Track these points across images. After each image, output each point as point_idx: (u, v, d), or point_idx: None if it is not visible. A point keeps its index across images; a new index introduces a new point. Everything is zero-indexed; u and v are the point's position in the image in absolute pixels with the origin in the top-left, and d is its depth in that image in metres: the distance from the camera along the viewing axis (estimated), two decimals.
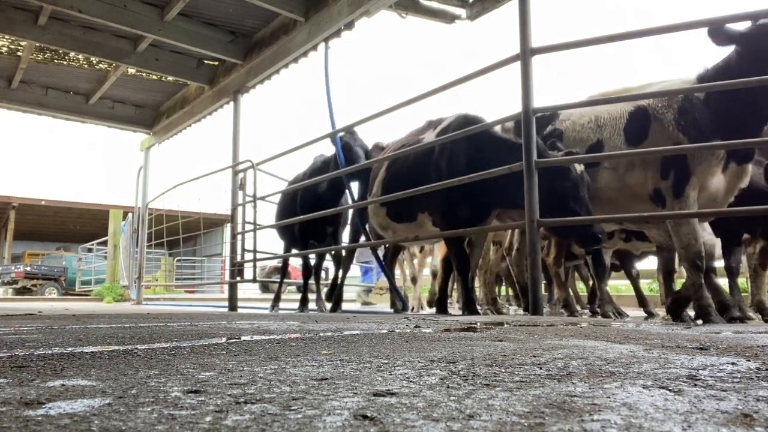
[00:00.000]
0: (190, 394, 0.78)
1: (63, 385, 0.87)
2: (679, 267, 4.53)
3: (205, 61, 8.27)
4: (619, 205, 3.69)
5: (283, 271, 6.86)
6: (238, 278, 6.83)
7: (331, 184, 5.42)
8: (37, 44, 7.35)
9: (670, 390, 0.83)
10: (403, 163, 4.48)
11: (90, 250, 16.89)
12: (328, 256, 6.56)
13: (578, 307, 5.17)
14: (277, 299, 6.49)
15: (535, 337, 1.75)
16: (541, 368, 1.06)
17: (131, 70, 8.48)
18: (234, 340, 1.70)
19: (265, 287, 19.71)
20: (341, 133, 5.34)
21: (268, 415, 0.66)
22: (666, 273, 4.01)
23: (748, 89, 2.97)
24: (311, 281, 6.02)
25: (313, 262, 6.13)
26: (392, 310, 5.37)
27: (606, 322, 2.78)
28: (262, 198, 6.49)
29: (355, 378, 0.94)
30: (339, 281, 5.69)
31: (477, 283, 5.53)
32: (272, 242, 7.45)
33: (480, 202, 3.95)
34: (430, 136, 4.37)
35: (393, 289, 5.45)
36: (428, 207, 4.26)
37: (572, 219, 3.74)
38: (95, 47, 7.49)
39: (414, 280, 7.10)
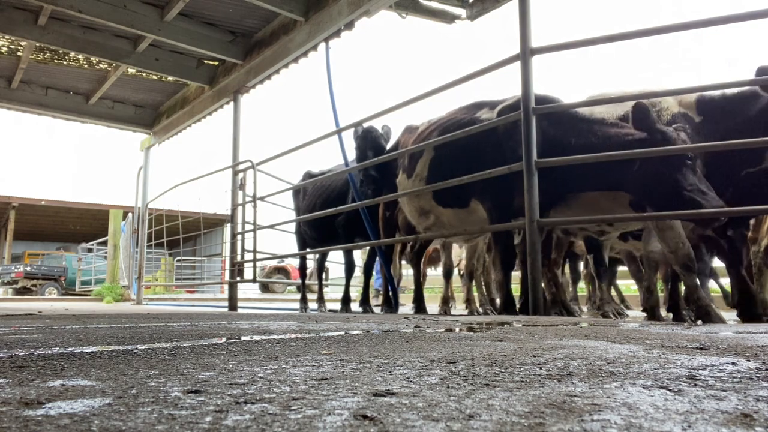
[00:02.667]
0: (190, 394, 0.78)
1: (63, 385, 0.87)
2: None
3: (205, 61, 8.27)
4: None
5: (320, 269, 7.01)
6: (238, 278, 6.84)
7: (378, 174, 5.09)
8: (37, 44, 7.35)
9: (670, 390, 0.83)
10: (456, 143, 4.04)
11: (90, 250, 16.89)
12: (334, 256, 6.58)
13: (576, 308, 5.17)
14: (321, 299, 6.69)
15: (535, 337, 1.75)
16: (541, 368, 1.06)
17: (131, 70, 8.48)
18: (234, 340, 1.70)
19: (265, 287, 19.74)
20: (346, 132, 5.34)
21: (268, 415, 0.66)
22: (674, 274, 4.02)
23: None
24: (311, 281, 6.02)
25: (310, 263, 6.14)
26: (382, 311, 5.27)
27: (606, 322, 2.78)
28: (262, 198, 6.50)
29: (355, 378, 0.94)
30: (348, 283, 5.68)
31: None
32: (272, 242, 7.48)
33: (552, 188, 3.54)
34: (487, 116, 4.05)
35: (392, 288, 5.39)
36: (483, 193, 3.91)
37: (571, 219, 3.75)
38: (95, 47, 7.49)
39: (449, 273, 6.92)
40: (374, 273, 7.10)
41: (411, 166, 4.59)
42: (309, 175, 6.54)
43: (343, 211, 5.31)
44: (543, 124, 3.61)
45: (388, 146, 5.27)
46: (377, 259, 5.79)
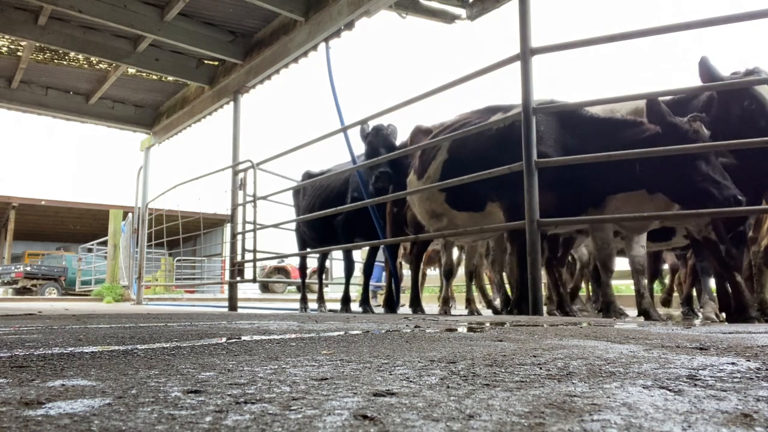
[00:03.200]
0: (190, 394, 0.78)
1: (63, 385, 0.87)
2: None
3: (205, 61, 8.27)
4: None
5: (321, 269, 7.02)
6: (238, 278, 6.84)
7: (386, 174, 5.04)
8: (37, 44, 7.35)
9: (670, 390, 0.83)
10: (471, 144, 4.03)
11: (90, 250, 16.88)
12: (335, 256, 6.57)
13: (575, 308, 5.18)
14: (321, 299, 6.71)
15: (535, 337, 1.75)
16: (541, 368, 1.06)
17: (131, 70, 8.48)
18: (234, 340, 1.70)
19: (265, 287, 19.73)
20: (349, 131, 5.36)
21: (268, 415, 0.66)
22: (693, 274, 4.15)
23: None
24: (311, 281, 6.02)
25: (311, 262, 6.13)
26: (383, 310, 5.26)
27: (606, 322, 2.78)
28: (263, 198, 6.50)
29: (355, 378, 0.94)
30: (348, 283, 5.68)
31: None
32: (272, 242, 7.49)
33: (577, 190, 3.53)
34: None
35: (396, 284, 5.37)
36: (501, 197, 3.85)
37: (572, 219, 3.75)
38: (95, 47, 7.49)
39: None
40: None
41: (422, 167, 4.57)
42: (308, 175, 6.53)
43: (344, 210, 5.31)
44: (567, 131, 3.67)
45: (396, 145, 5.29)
46: (377, 259, 5.80)
